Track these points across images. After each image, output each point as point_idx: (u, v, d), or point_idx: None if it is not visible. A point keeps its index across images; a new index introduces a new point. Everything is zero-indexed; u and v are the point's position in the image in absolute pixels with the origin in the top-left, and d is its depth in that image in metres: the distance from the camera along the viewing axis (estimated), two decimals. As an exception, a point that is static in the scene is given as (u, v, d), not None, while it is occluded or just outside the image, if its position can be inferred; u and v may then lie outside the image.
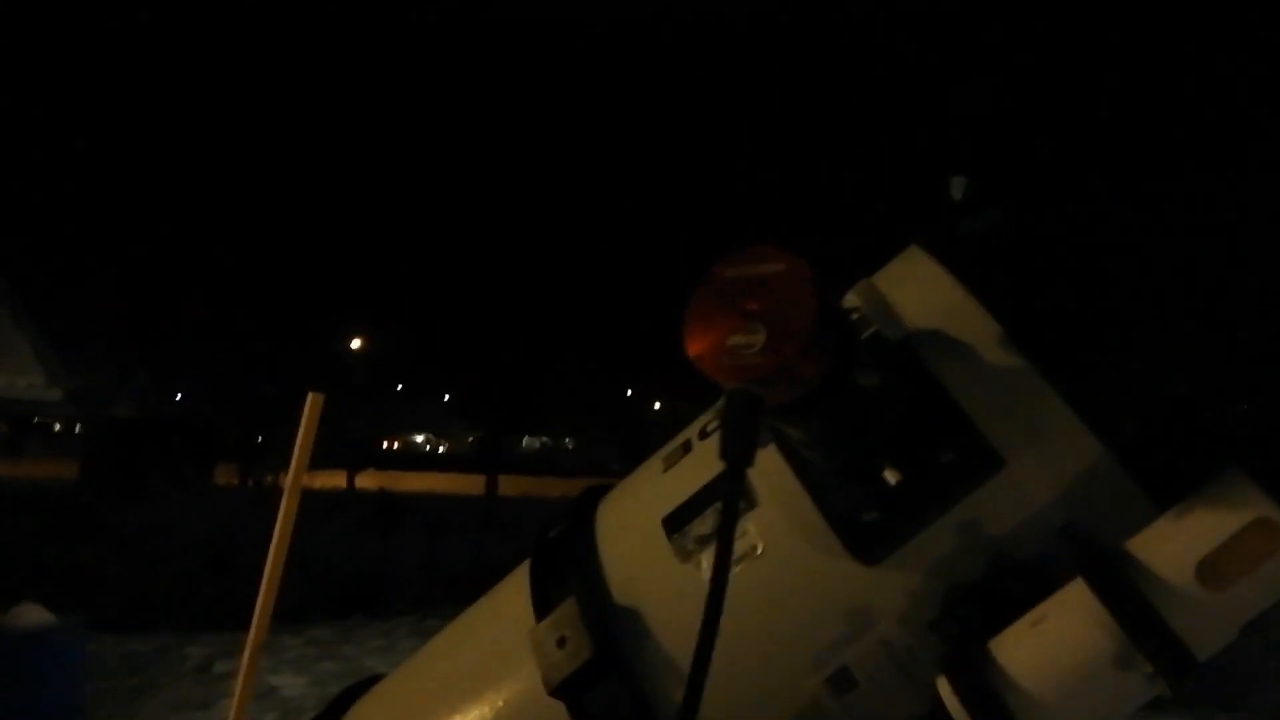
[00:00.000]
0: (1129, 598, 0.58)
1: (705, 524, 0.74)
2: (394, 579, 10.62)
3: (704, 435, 0.80)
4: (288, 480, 1.33)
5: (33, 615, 4.00)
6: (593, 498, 0.87)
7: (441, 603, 8.79)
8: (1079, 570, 0.60)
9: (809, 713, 0.69)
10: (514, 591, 0.83)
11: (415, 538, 14.11)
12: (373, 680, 0.96)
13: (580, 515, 0.84)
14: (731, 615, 0.61)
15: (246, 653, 1.23)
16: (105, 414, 20.35)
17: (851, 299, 0.72)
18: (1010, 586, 0.64)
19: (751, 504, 0.72)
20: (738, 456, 0.60)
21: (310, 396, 1.33)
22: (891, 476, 0.66)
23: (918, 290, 0.73)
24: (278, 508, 1.34)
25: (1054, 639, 0.59)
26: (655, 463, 0.84)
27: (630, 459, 1.03)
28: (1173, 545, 0.59)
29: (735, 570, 0.66)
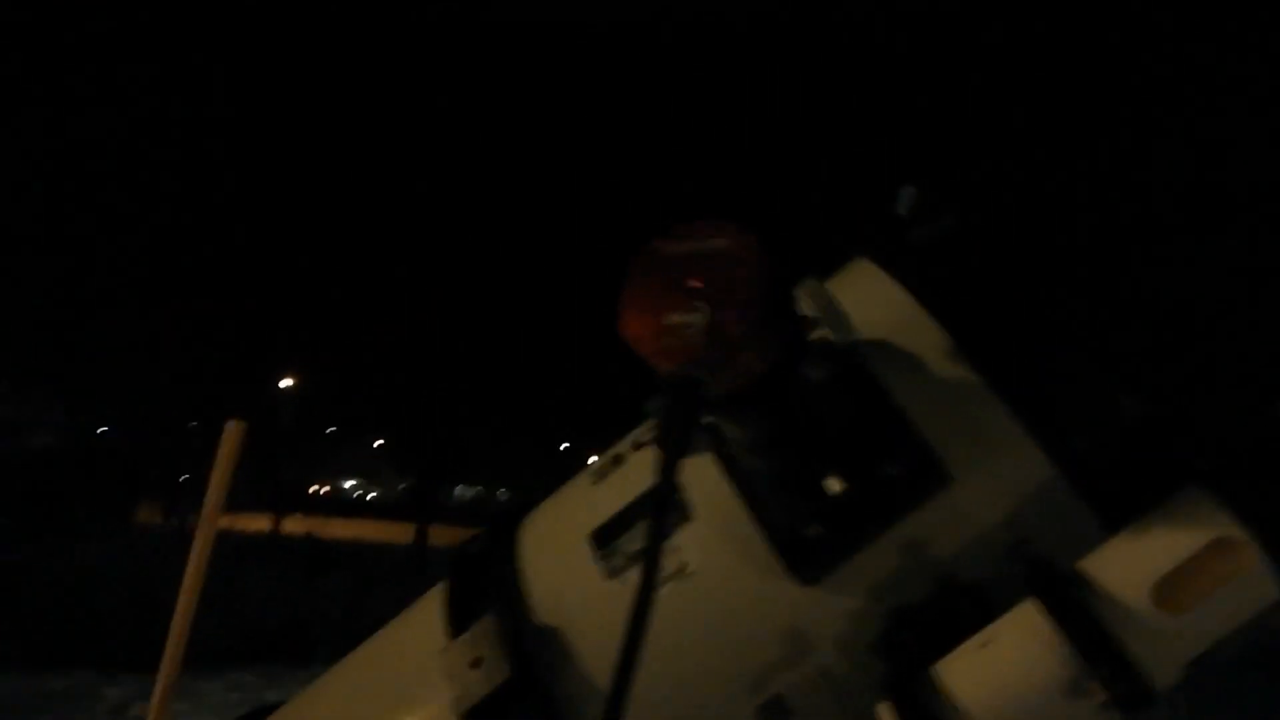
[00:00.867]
0: (1082, 619, 0.54)
1: (636, 539, 0.68)
2: (319, 625, 10.39)
3: (637, 447, 0.75)
4: (203, 513, 1.23)
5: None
6: (517, 512, 0.82)
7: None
8: (1030, 590, 0.57)
9: None
10: (430, 609, 0.77)
11: (342, 585, 13.83)
12: (272, 708, 0.89)
13: (502, 529, 0.79)
14: (660, 636, 0.56)
15: (156, 694, 1.15)
16: (21, 444, 19.66)
17: (805, 297, 0.66)
18: (957, 609, 0.60)
19: (685, 518, 0.67)
20: (675, 444, 0.55)
21: (229, 424, 1.26)
22: (833, 485, 0.62)
23: (866, 300, 0.70)
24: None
25: (1002, 662, 0.56)
26: (584, 477, 0.79)
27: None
28: (1129, 565, 0.56)
29: (665, 589, 0.63)
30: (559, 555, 0.73)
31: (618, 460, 0.76)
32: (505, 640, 0.68)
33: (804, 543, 0.63)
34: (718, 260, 0.56)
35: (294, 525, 25.40)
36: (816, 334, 0.64)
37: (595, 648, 0.68)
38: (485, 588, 0.74)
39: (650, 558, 0.53)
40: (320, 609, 11.36)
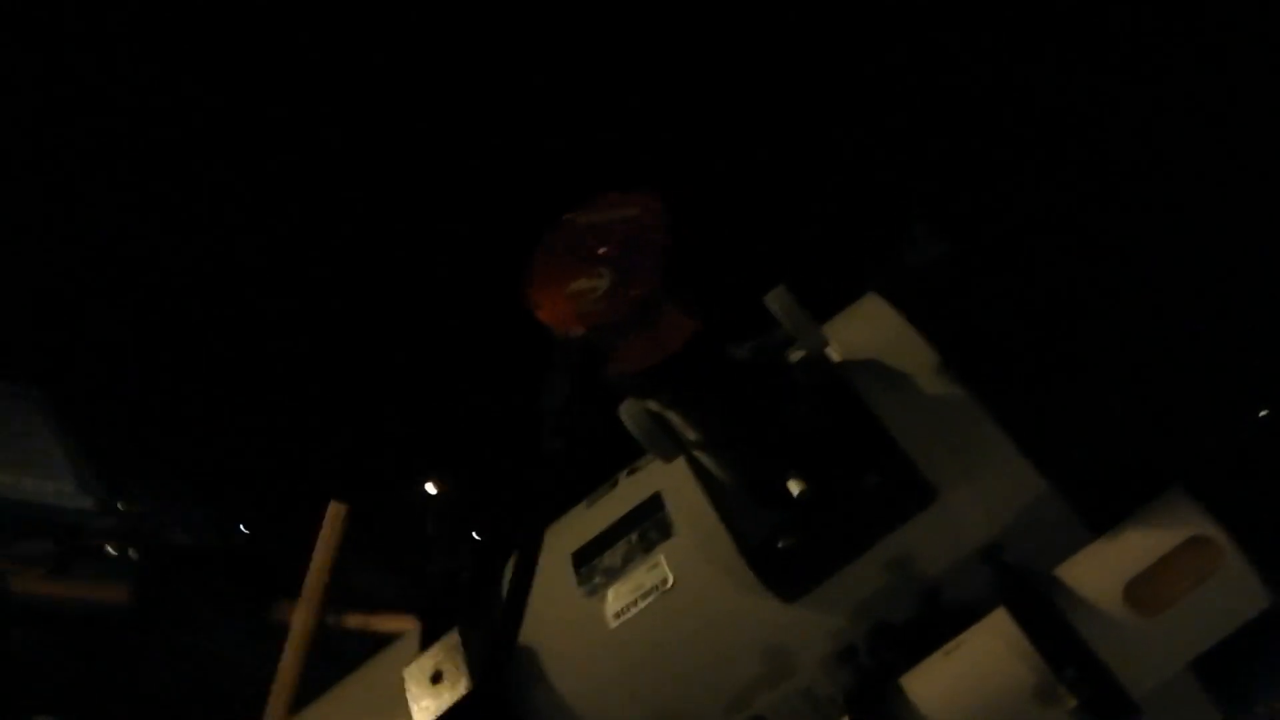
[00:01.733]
0: (1050, 624, 0.53)
1: (615, 556, 0.69)
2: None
3: (631, 472, 0.77)
4: (303, 593, 1.24)
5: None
6: (501, 534, 0.83)
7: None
8: (997, 594, 0.56)
9: None
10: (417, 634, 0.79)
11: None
12: None
13: (488, 549, 0.81)
14: (637, 651, 0.61)
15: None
16: (159, 540, 18.74)
17: (772, 304, 0.65)
18: (944, 628, 0.57)
19: (666, 534, 0.68)
20: (560, 410, 0.55)
21: (332, 506, 1.29)
22: (794, 487, 0.61)
23: (854, 316, 0.71)
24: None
25: (968, 669, 0.54)
26: (584, 502, 0.80)
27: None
28: (1101, 567, 0.55)
29: (644, 603, 0.65)
30: (541, 575, 0.72)
31: (613, 484, 0.77)
32: (469, 654, 0.69)
33: (777, 556, 0.63)
34: (625, 228, 0.57)
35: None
36: (793, 349, 0.65)
37: (567, 664, 0.68)
38: (458, 607, 0.75)
39: (528, 531, 0.58)
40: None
